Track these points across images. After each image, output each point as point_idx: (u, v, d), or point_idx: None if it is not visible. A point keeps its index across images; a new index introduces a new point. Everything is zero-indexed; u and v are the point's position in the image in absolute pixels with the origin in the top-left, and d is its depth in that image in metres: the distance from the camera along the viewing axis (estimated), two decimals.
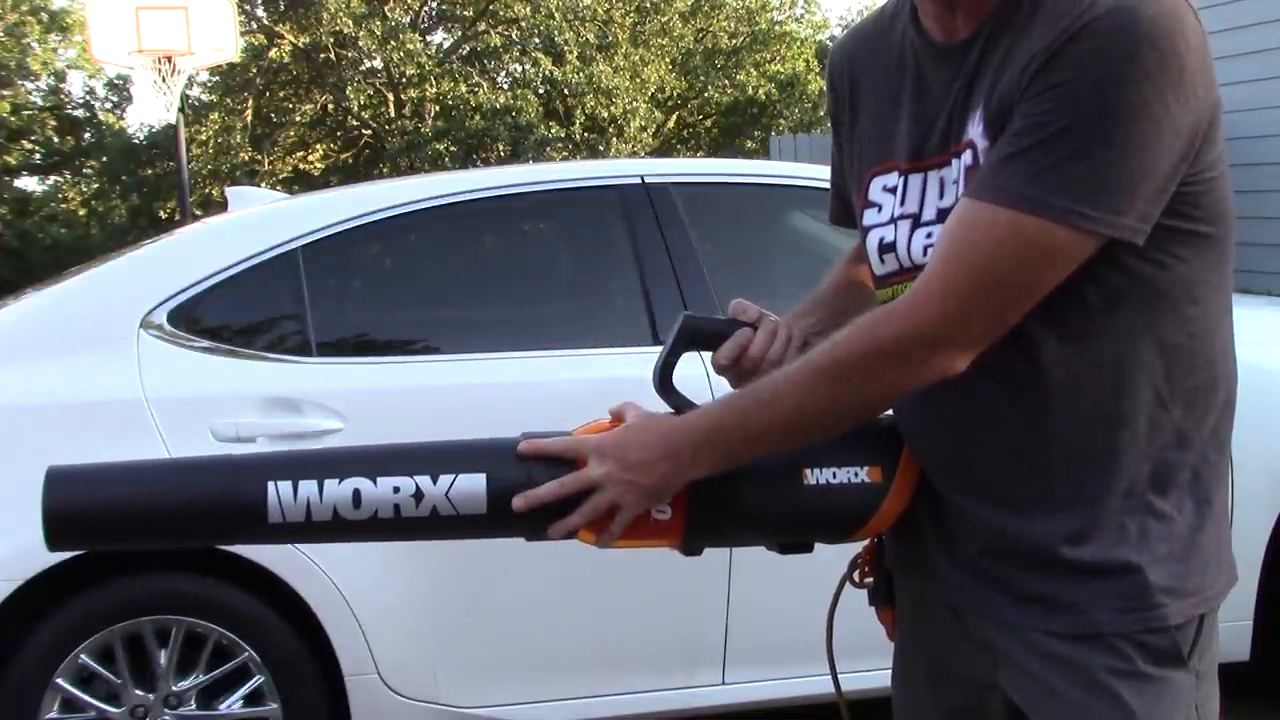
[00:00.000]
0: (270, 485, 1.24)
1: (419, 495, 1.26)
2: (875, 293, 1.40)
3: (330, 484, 1.25)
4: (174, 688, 2.81)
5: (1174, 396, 1.24)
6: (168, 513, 1.27)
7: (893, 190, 1.34)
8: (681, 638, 3.01)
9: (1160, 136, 1.15)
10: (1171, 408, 1.24)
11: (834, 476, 1.29)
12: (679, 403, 1.38)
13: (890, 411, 1.36)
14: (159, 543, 1.54)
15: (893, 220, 1.34)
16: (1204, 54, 1.18)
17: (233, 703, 2.84)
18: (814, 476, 1.29)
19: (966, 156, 1.25)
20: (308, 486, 1.25)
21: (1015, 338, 1.22)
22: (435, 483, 1.26)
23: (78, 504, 1.32)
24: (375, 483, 1.26)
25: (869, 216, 1.37)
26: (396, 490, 1.26)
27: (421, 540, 1.33)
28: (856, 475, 1.30)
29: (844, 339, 1.23)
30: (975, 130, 1.24)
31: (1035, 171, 1.16)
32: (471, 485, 1.26)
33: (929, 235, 1.29)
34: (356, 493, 1.25)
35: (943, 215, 1.28)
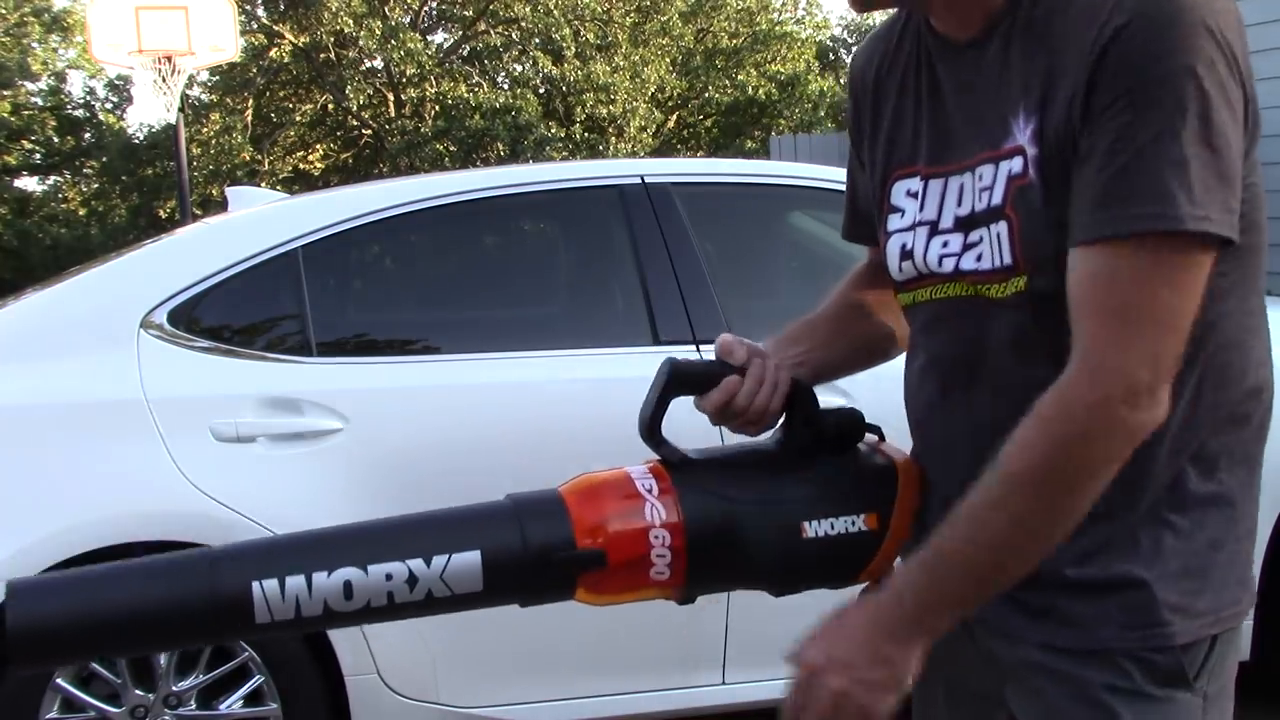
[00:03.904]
0: (255, 584, 1.17)
1: (413, 580, 1.23)
2: (896, 298, 1.38)
3: (319, 577, 1.19)
4: (174, 688, 2.81)
5: (1202, 412, 1.21)
6: (146, 622, 1.17)
7: (915, 195, 1.32)
8: (681, 638, 3.01)
9: (1235, 125, 1.13)
10: (1200, 423, 1.21)
11: (832, 528, 1.27)
12: (669, 453, 1.33)
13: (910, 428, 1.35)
14: (139, 652, 1.43)
15: (913, 226, 1.31)
16: (1244, 36, 1.16)
17: (233, 703, 2.84)
18: (813, 529, 1.26)
19: (1014, 164, 1.20)
20: (295, 582, 1.18)
21: (1043, 355, 1.19)
22: (429, 565, 1.23)
23: (45, 619, 1.15)
24: (366, 571, 1.21)
25: (892, 221, 1.34)
26: (389, 578, 1.22)
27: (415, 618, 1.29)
28: (854, 524, 1.27)
29: (1032, 438, 1.14)
30: (1023, 137, 1.19)
31: (1145, 188, 1.10)
32: (466, 563, 1.23)
33: (944, 245, 1.27)
34: (348, 584, 1.20)
35: (960, 223, 1.25)
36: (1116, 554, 1.21)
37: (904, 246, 1.31)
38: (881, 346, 1.53)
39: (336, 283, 3.20)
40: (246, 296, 3.01)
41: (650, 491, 1.28)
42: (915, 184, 1.31)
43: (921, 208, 1.30)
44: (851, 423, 1.35)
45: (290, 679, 2.83)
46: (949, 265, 1.27)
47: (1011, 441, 1.15)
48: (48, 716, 2.75)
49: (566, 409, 2.99)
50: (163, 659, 2.79)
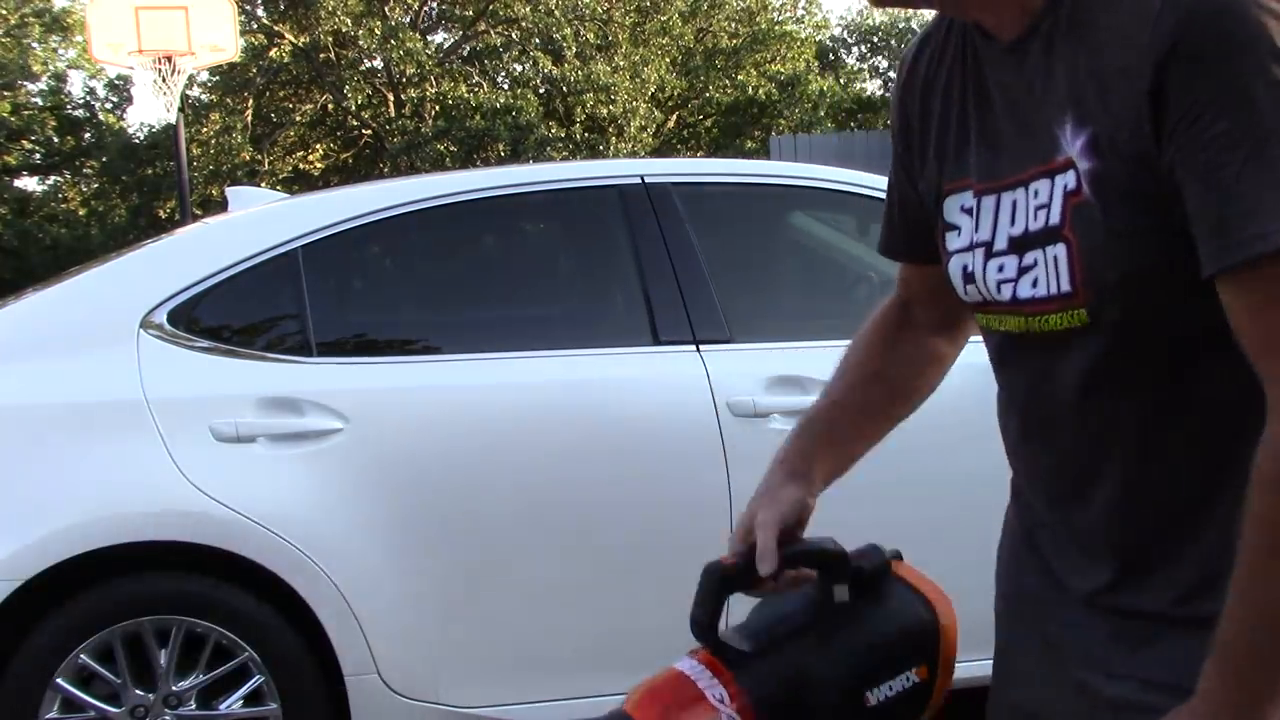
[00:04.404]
0: None
1: None
2: (974, 316, 1.28)
3: None
4: (174, 688, 2.81)
5: None
6: None
7: (969, 212, 1.23)
8: (682, 638, 3.01)
9: None
10: None
11: (891, 689, 1.26)
12: (730, 653, 1.33)
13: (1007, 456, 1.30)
14: None
15: (970, 247, 1.23)
16: None
17: (233, 703, 2.84)
18: (875, 697, 1.26)
19: (1068, 179, 1.11)
20: None
21: (1117, 390, 1.13)
22: None
23: None
24: None
25: (950, 241, 1.26)
26: None
27: None
28: (909, 680, 1.28)
29: (1265, 512, 1.02)
30: (1073, 148, 1.09)
31: (1269, 200, 0.98)
32: None
33: (1000, 269, 1.18)
34: None
35: (1014, 244, 1.16)
36: (1222, 592, 1.11)
37: (965, 269, 1.24)
38: (910, 408, 1.46)
39: (336, 283, 3.20)
40: (246, 296, 3.01)
41: (723, 702, 1.27)
42: (969, 199, 1.23)
43: (977, 227, 1.21)
44: (880, 564, 1.33)
45: (290, 679, 2.83)
46: (1006, 292, 1.18)
47: (1249, 522, 1.03)
48: (48, 716, 2.75)
49: (566, 409, 2.99)
50: (162, 659, 2.79)
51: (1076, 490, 1.21)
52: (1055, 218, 1.12)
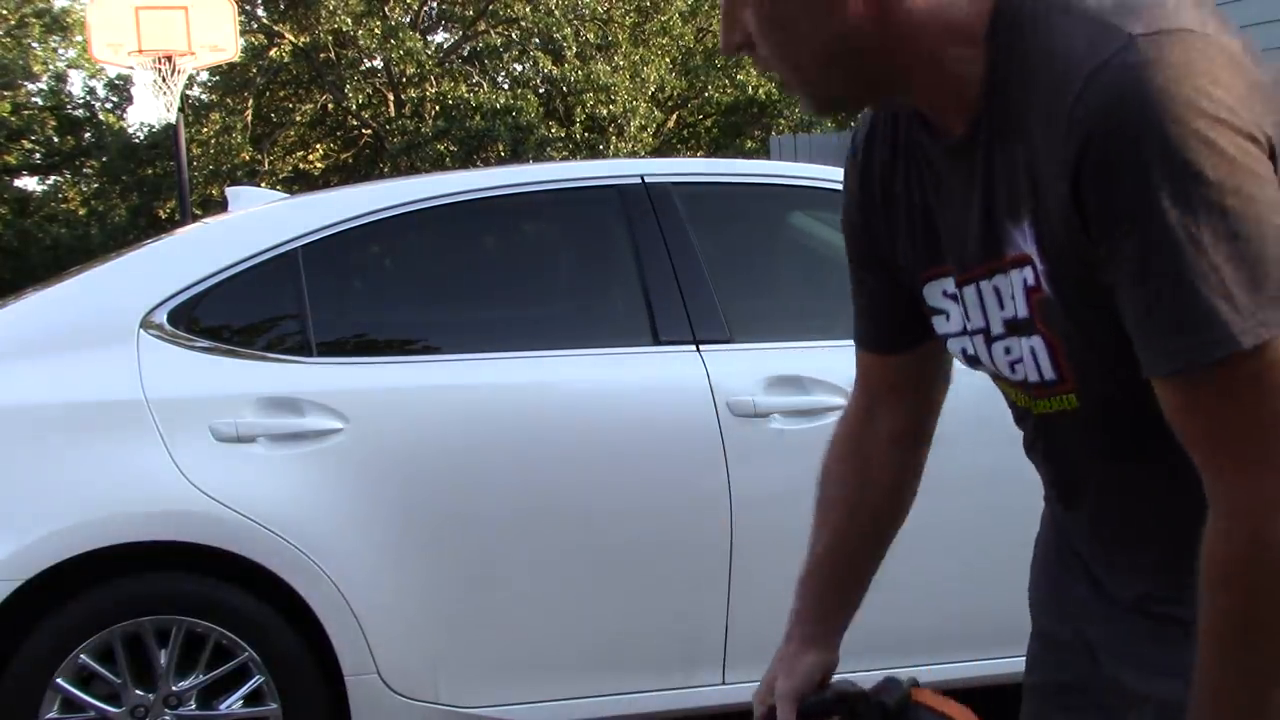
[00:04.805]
0: None
1: None
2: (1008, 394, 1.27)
3: None
4: (174, 688, 2.81)
5: None
6: None
7: (954, 298, 1.22)
8: (681, 638, 3.01)
9: (1263, 183, 0.99)
10: None
11: None
12: None
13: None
14: None
15: (966, 333, 1.23)
16: (1245, 69, 1.01)
17: (233, 703, 2.84)
18: None
19: (1026, 275, 1.11)
20: None
21: (1129, 454, 1.15)
22: None
23: None
24: None
25: (939, 325, 1.26)
26: None
27: None
28: None
29: (1211, 615, 1.04)
30: (1028, 246, 1.09)
31: (1185, 316, 0.99)
32: None
33: (1007, 350, 1.18)
34: None
35: (1010, 326, 1.16)
36: None
37: (965, 351, 1.24)
38: (901, 520, 1.45)
39: (336, 283, 3.20)
40: (246, 296, 3.01)
41: None
42: (950, 285, 1.22)
43: (967, 315, 1.21)
44: (902, 696, 1.32)
45: (290, 679, 2.83)
46: (1020, 372, 1.19)
47: (1204, 618, 1.05)
48: (48, 716, 2.75)
49: (566, 409, 2.99)
50: (162, 659, 2.79)
51: (1110, 544, 1.22)
52: (1023, 311, 1.13)
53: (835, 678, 1.40)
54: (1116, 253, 1.01)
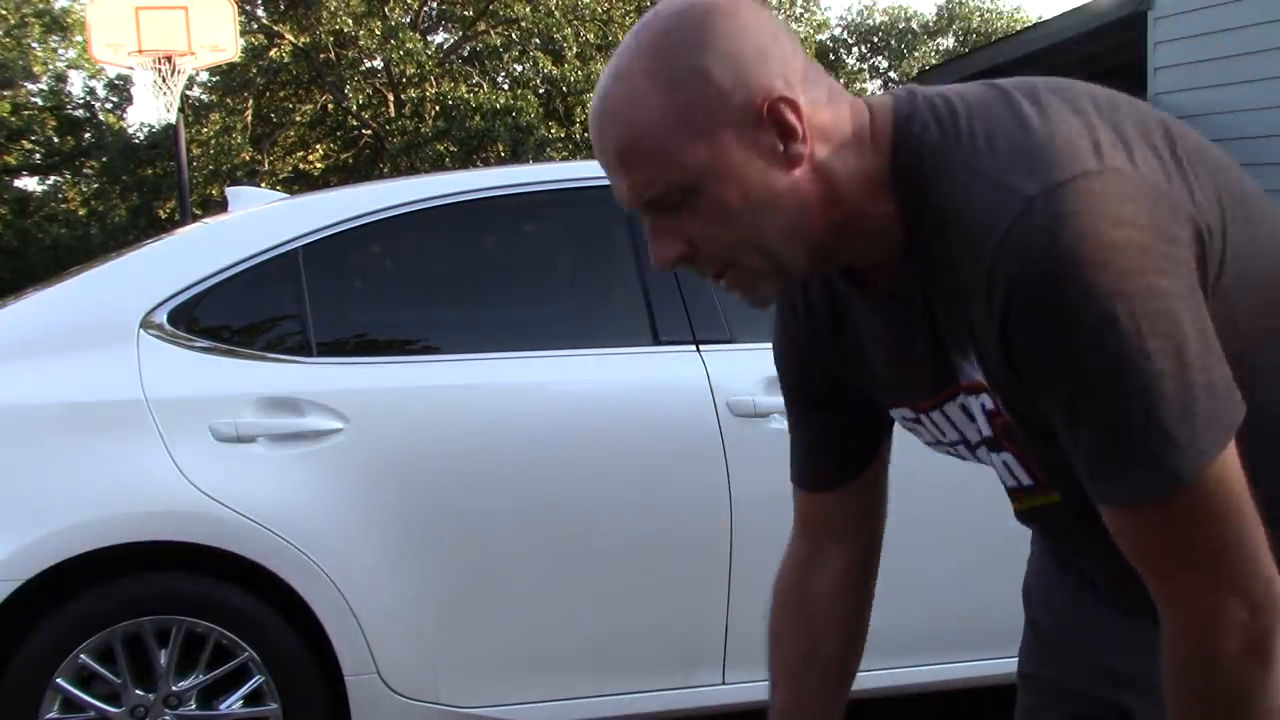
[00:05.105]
0: None
1: None
2: None
3: None
4: (174, 688, 2.81)
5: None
6: None
7: (920, 423, 1.26)
8: (681, 638, 3.01)
9: (1190, 305, 1.01)
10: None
11: None
12: None
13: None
14: None
15: (946, 443, 1.27)
16: (1158, 211, 1.02)
17: (233, 703, 2.84)
18: None
19: (984, 400, 1.15)
20: None
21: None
22: None
23: None
24: None
25: (919, 434, 1.30)
26: None
27: None
28: None
29: (1178, 713, 1.08)
30: (979, 376, 1.13)
31: (1123, 455, 1.02)
32: None
33: (991, 453, 1.22)
34: None
35: (982, 441, 1.20)
36: None
37: (951, 454, 1.28)
38: (861, 648, 1.46)
39: (336, 283, 3.20)
40: (246, 296, 3.00)
41: None
42: (909, 414, 1.26)
43: (942, 433, 1.25)
44: None
45: (290, 679, 2.83)
46: (1000, 477, 1.24)
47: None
48: (48, 716, 2.75)
49: (566, 409, 2.99)
50: (162, 659, 2.79)
51: (1105, 597, 1.26)
52: (987, 431, 1.17)
53: None
54: (1050, 399, 1.05)
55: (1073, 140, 1.05)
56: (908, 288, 1.14)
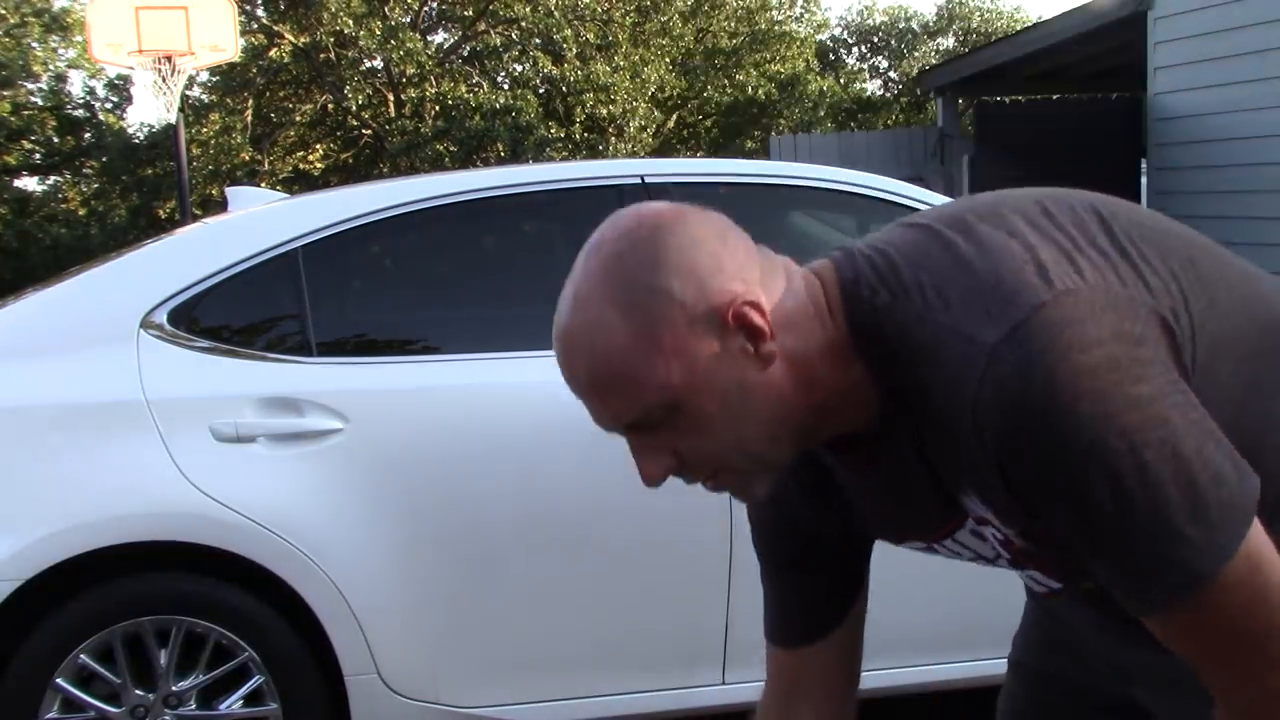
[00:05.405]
0: None
1: None
2: None
3: None
4: (174, 688, 2.81)
5: None
6: None
7: (930, 549, 1.27)
8: (681, 638, 3.01)
9: (1183, 405, 1.02)
10: None
11: None
12: None
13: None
14: None
15: (962, 558, 1.28)
16: (1119, 319, 1.03)
17: (233, 703, 2.84)
18: None
19: (995, 531, 1.16)
20: None
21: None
22: None
23: None
24: None
25: (939, 551, 1.30)
26: None
27: None
28: None
29: None
30: (985, 512, 1.13)
31: (1147, 569, 1.02)
32: None
33: (1013, 568, 1.23)
34: None
35: (1003, 552, 1.20)
36: None
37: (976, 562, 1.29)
38: None
39: (336, 283, 3.20)
40: (246, 296, 3.00)
41: None
42: (921, 544, 1.26)
43: (958, 554, 1.26)
44: None
45: (290, 679, 2.83)
46: (1026, 582, 1.26)
47: None
48: (48, 716, 2.75)
49: (566, 409, 2.98)
50: (162, 659, 2.79)
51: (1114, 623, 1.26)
52: (1006, 555, 1.17)
53: None
54: (1062, 526, 1.05)
55: (1016, 271, 1.05)
56: (894, 440, 1.14)
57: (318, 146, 21.73)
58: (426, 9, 19.93)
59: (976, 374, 1.02)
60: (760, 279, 1.09)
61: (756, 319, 1.07)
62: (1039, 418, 0.99)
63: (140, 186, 20.05)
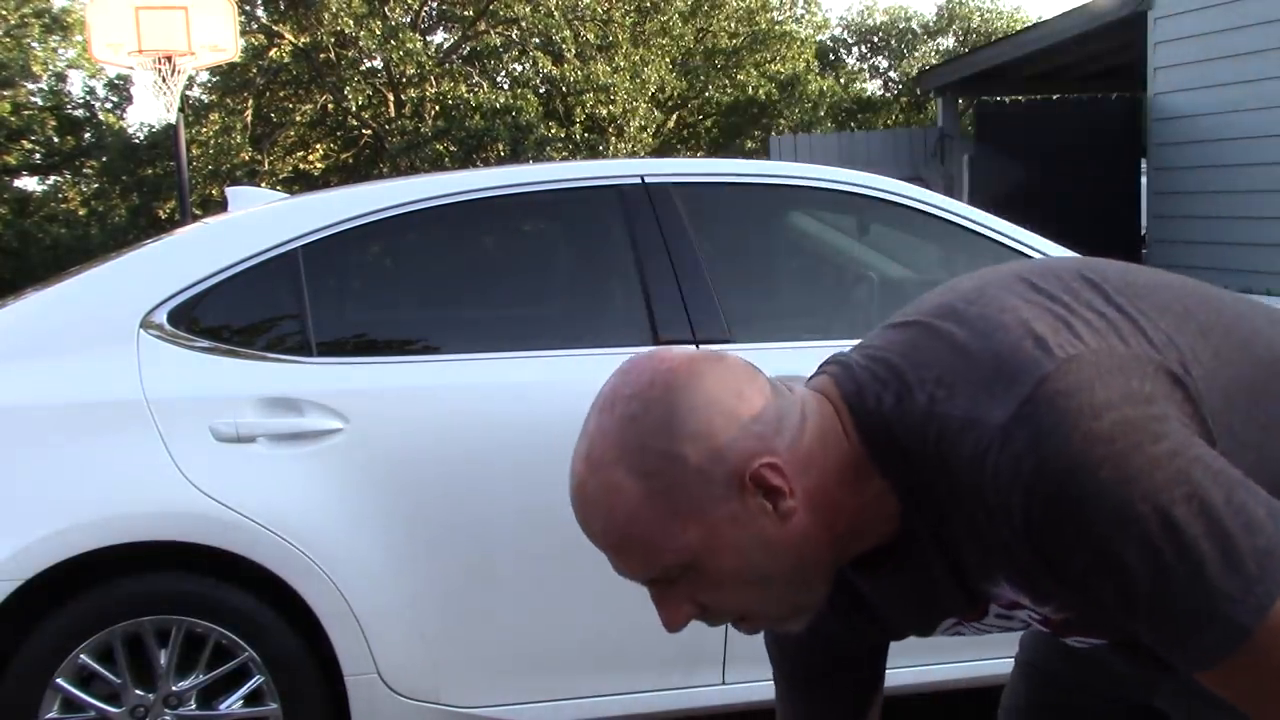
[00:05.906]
0: None
1: None
2: None
3: None
4: (174, 688, 2.81)
5: None
6: None
7: (958, 630, 1.27)
8: (681, 638, 3.01)
9: (1206, 461, 1.00)
10: None
11: None
12: None
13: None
14: None
15: (986, 633, 1.27)
16: (1126, 378, 1.02)
17: (233, 703, 2.84)
18: None
19: (1029, 614, 1.16)
20: None
21: None
22: None
23: None
24: None
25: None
26: None
27: None
28: None
29: None
30: (1017, 596, 1.12)
31: (1187, 625, 1.01)
32: None
33: (1054, 636, 1.22)
34: None
35: (1041, 628, 1.20)
36: None
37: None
38: None
39: (336, 283, 3.20)
40: (246, 296, 3.01)
41: None
42: (950, 622, 1.25)
43: (987, 630, 1.25)
44: None
45: (290, 679, 2.83)
46: (1074, 645, 1.25)
47: None
48: (48, 716, 2.75)
49: (566, 409, 2.99)
50: (162, 659, 2.79)
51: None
52: (1047, 629, 1.16)
53: None
54: (1101, 595, 1.03)
55: (1014, 347, 1.04)
56: (918, 546, 1.12)
57: (318, 146, 21.73)
58: (426, 9, 19.93)
59: (992, 457, 1.01)
60: (777, 428, 1.07)
61: (775, 480, 1.05)
62: (1059, 491, 0.98)
63: (140, 186, 20.06)
